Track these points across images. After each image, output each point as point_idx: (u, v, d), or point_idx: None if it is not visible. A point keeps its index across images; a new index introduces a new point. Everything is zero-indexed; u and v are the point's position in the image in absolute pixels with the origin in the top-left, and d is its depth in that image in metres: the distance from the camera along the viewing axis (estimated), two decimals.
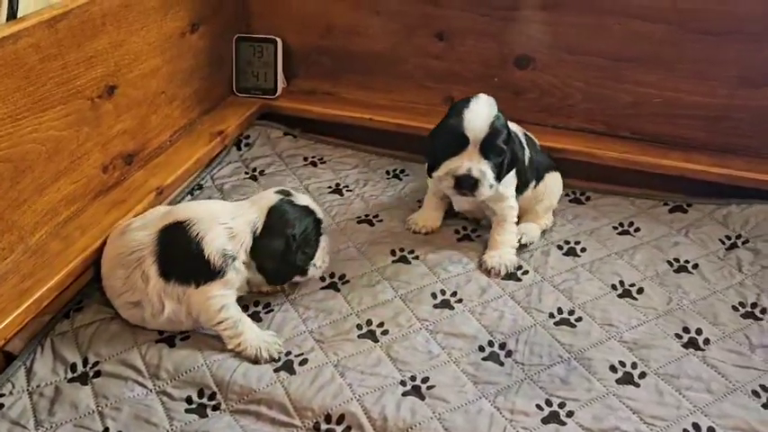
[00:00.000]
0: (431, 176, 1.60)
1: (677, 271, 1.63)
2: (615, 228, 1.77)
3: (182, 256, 1.37)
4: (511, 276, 1.60)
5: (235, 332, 1.37)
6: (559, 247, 1.70)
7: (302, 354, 1.39)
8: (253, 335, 1.37)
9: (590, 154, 1.92)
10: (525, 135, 1.73)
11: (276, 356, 1.36)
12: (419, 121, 1.99)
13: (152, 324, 1.42)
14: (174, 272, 1.37)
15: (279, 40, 2.13)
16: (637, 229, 1.76)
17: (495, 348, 1.41)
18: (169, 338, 1.42)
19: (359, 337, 1.43)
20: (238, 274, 1.39)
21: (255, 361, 1.35)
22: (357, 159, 2.04)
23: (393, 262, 1.64)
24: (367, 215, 1.81)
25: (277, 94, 2.17)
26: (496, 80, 2.01)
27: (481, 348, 1.41)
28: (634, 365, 1.37)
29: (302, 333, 1.44)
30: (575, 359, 1.39)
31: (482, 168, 1.48)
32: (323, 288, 1.56)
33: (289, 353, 1.39)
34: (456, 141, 1.50)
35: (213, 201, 1.48)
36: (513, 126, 1.71)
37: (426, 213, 1.74)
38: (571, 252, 1.69)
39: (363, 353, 1.39)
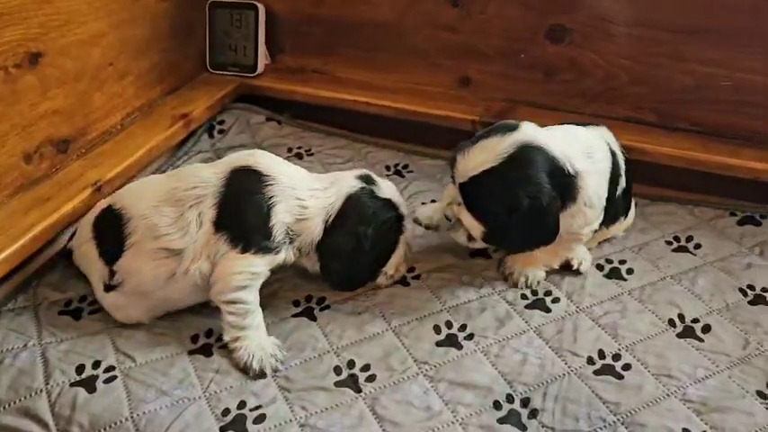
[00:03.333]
0: None
1: (753, 302, 1.36)
2: (669, 243, 1.52)
3: (244, 212, 1.23)
4: (536, 304, 1.34)
5: (241, 322, 1.22)
6: (599, 267, 1.44)
7: (259, 406, 1.13)
8: (256, 337, 1.22)
9: (638, 149, 1.67)
10: (623, 154, 1.42)
11: (268, 373, 1.20)
12: (427, 107, 1.83)
13: (179, 284, 1.23)
14: (227, 225, 1.22)
15: (261, 6, 1.95)
16: (697, 246, 1.51)
17: (516, 405, 1.15)
18: (89, 380, 1.17)
19: (336, 384, 1.18)
20: (287, 259, 1.27)
21: (244, 370, 1.20)
22: (352, 151, 1.84)
23: None
24: None
25: (258, 72, 1.99)
26: (523, 56, 1.81)
27: (497, 405, 1.15)
28: None
29: None
30: (622, 424, 1.11)
31: (459, 215, 1.31)
32: (295, 315, 1.31)
33: (242, 404, 1.14)
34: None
35: (295, 166, 1.35)
36: (606, 134, 1.39)
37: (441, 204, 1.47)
38: (614, 274, 1.43)
39: (341, 408, 1.14)
